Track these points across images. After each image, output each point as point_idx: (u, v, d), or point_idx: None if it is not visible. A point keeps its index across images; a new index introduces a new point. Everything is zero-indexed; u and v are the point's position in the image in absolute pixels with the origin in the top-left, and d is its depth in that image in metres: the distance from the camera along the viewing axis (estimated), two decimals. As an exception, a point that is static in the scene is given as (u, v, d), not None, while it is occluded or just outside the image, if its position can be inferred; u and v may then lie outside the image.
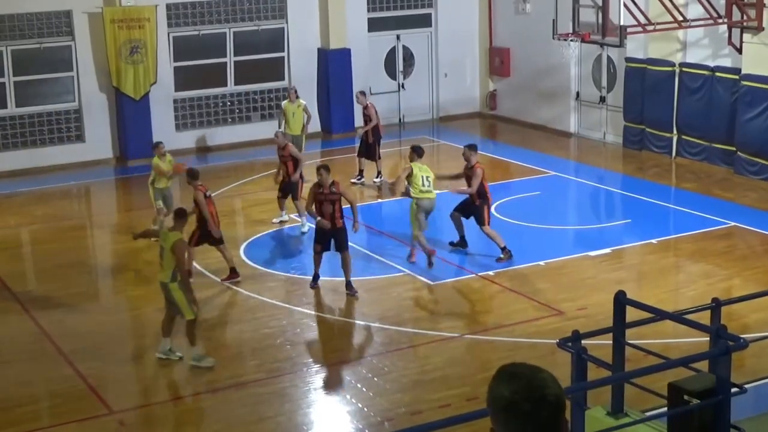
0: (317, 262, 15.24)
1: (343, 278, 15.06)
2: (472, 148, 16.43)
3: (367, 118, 21.15)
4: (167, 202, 17.48)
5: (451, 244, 16.87)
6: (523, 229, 18.19)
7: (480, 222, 16.30)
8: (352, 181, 21.01)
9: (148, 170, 22.12)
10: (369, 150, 21.23)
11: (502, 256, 16.14)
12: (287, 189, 18.22)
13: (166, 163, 17.60)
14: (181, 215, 13.21)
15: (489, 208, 16.44)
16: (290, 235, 18.23)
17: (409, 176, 16.06)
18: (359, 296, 15.07)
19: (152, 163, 17.56)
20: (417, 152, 16.40)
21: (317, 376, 12.55)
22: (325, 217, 14.94)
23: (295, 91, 21.86)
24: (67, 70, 23.48)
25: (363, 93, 21.66)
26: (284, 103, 21.80)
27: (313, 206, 15.08)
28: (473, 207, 16.34)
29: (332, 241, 15.11)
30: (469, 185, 16.25)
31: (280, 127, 21.08)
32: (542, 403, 3.48)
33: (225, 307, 14.93)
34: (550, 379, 3.53)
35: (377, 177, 21.05)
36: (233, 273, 15.65)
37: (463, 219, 16.54)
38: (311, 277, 15.35)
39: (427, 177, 16.07)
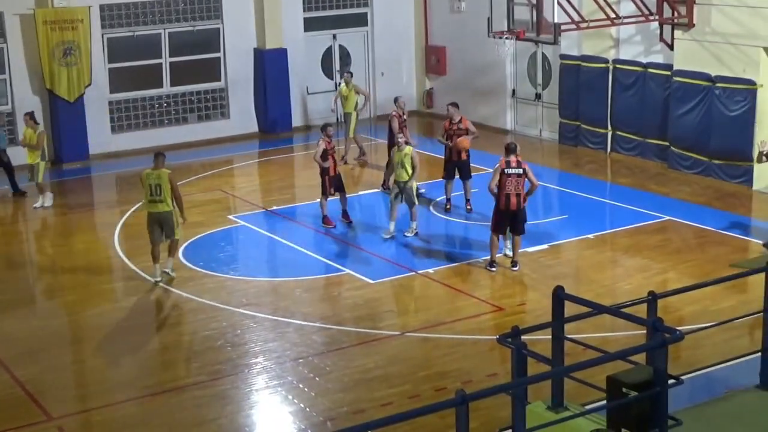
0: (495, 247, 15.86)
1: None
2: (455, 105, 18.73)
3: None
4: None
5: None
6: (461, 227, 18.33)
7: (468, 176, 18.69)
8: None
9: (83, 173, 21.91)
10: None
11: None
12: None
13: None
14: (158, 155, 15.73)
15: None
16: (229, 236, 18.15)
17: None
18: (300, 295, 15.08)
19: None
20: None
21: (258, 378, 12.50)
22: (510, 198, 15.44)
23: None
24: (0, 73, 23.15)
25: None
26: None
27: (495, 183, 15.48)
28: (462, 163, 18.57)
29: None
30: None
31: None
32: None
33: (164, 310, 14.82)
34: None
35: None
36: None
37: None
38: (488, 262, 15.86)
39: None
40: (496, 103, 25.75)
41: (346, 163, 22.26)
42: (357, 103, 23.15)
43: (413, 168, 17.07)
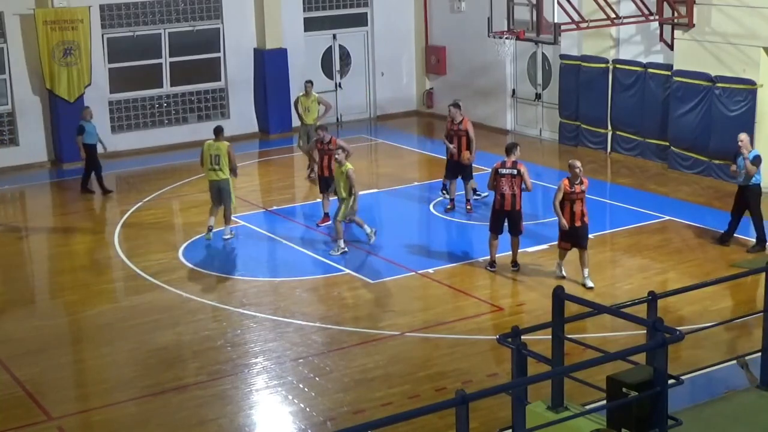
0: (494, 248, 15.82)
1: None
2: (456, 105, 18.59)
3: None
4: None
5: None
6: (462, 227, 18.34)
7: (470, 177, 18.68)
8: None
9: (81, 173, 21.86)
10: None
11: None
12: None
13: None
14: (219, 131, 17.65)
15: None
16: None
17: None
18: (300, 295, 15.09)
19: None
20: None
21: (258, 378, 12.51)
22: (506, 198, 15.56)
23: None
24: (0, 73, 23.19)
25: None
26: None
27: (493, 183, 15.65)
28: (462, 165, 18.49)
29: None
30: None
31: None
32: None
33: (164, 310, 14.81)
34: None
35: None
36: None
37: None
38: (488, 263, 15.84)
39: None
40: (496, 103, 25.74)
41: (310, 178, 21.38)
42: (318, 114, 22.18)
43: (350, 187, 16.44)
